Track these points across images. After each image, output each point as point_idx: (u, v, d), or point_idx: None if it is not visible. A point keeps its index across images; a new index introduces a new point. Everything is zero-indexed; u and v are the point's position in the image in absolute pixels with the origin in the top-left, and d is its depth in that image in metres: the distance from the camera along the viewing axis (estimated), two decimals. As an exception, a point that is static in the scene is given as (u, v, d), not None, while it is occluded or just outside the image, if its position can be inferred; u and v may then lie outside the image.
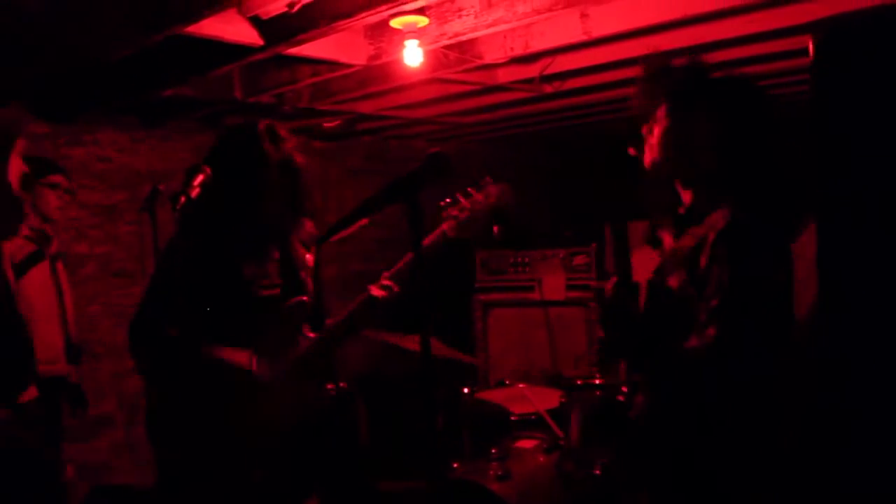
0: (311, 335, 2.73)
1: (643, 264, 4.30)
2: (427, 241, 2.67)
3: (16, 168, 2.80)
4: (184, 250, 2.63)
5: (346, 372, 2.85)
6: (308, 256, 2.85)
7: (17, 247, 3.76)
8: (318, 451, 2.81)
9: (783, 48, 3.79)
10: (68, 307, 4.12)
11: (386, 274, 2.70)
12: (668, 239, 2.23)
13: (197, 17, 2.81)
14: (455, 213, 2.70)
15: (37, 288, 3.87)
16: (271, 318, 2.68)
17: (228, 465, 2.57)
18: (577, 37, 3.52)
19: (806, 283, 1.95)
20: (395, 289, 2.67)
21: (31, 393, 3.64)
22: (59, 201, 4.01)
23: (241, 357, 2.61)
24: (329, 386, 2.74)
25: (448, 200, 2.72)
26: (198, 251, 2.64)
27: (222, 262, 2.67)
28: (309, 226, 2.87)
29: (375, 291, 2.66)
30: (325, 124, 5.49)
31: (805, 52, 1.91)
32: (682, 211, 2.08)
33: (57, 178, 3.99)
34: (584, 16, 3.44)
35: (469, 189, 2.74)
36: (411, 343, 3.15)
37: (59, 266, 4.11)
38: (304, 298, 2.71)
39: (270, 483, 2.61)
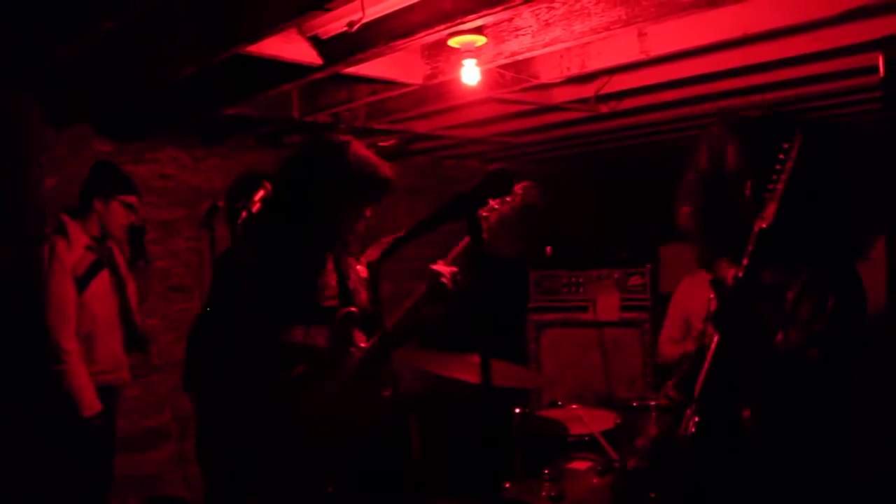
0: (364, 344, 2.71)
1: (696, 290, 4.24)
2: (459, 247, 2.68)
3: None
4: (252, 263, 2.64)
5: (402, 389, 2.83)
6: (359, 267, 2.86)
7: (78, 258, 3.80)
8: (375, 462, 2.80)
9: (850, 66, 3.70)
10: (131, 297, 4.12)
11: (442, 262, 2.65)
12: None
13: (259, 36, 2.86)
14: (485, 214, 2.63)
15: (99, 298, 3.91)
16: (328, 329, 2.68)
17: (294, 477, 2.57)
18: (634, 56, 3.49)
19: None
20: (459, 275, 2.61)
21: (96, 407, 3.70)
22: (126, 220, 4.03)
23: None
24: (385, 393, 2.73)
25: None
26: (269, 262, 2.65)
27: (295, 274, 2.68)
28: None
29: (442, 278, 2.60)
30: (381, 143, 5.53)
31: (873, 69, 1.87)
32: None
33: (132, 199, 4.02)
34: (641, 35, 3.41)
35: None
36: (467, 373, 3.09)
37: (123, 268, 4.11)
38: (353, 309, 2.71)
39: (337, 497, 2.61)
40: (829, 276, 1.89)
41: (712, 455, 1.95)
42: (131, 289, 4.15)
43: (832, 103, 4.77)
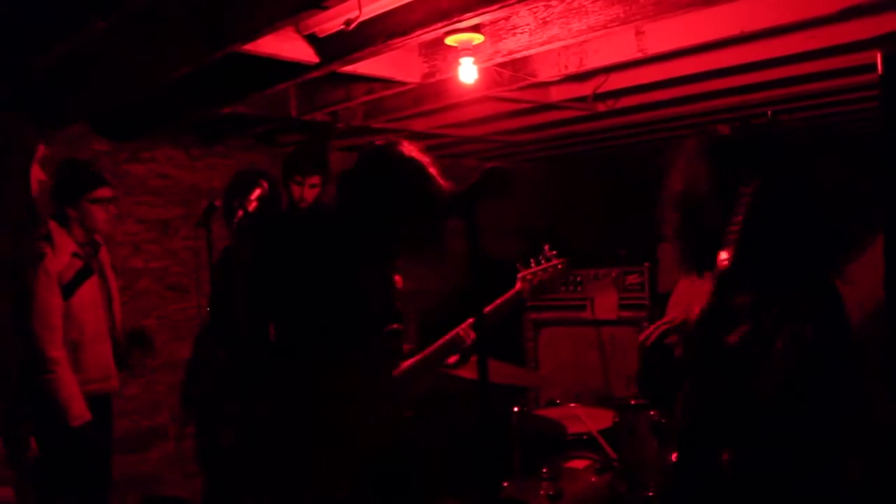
0: (402, 363, 2.76)
1: (696, 289, 4.23)
2: (504, 298, 2.88)
3: (34, 175, 2.92)
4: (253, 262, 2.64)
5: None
6: (397, 278, 2.87)
7: (65, 266, 3.69)
8: (384, 468, 2.80)
9: (847, 64, 3.71)
10: (116, 311, 4.03)
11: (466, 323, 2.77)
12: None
13: (255, 35, 2.85)
14: (530, 277, 2.95)
15: (87, 306, 3.79)
16: (375, 340, 2.69)
17: (306, 482, 2.58)
18: (631, 54, 3.50)
19: (860, 308, 1.88)
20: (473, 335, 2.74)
21: (84, 416, 3.61)
22: (107, 214, 3.89)
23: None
24: (408, 414, 2.78)
25: (521, 265, 2.98)
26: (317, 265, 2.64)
27: (346, 279, 2.68)
28: None
29: (464, 334, 2.76)
30: (378, 142, 5.52)
31: (870, 67, 1.86)
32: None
33: (103, 192, 3.86)
34: (639, 33, 3.41)
35: (541, 257, 2.99)
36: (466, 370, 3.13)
37: (108, 271, 4.03)
38: (399, 326, 2.74)
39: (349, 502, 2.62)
40: (805, 305, 1.80)
41: (694, 498, 1.91)
42: (116, 299, 4.05)
43: (829, 101, 4.77)
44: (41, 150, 3.22)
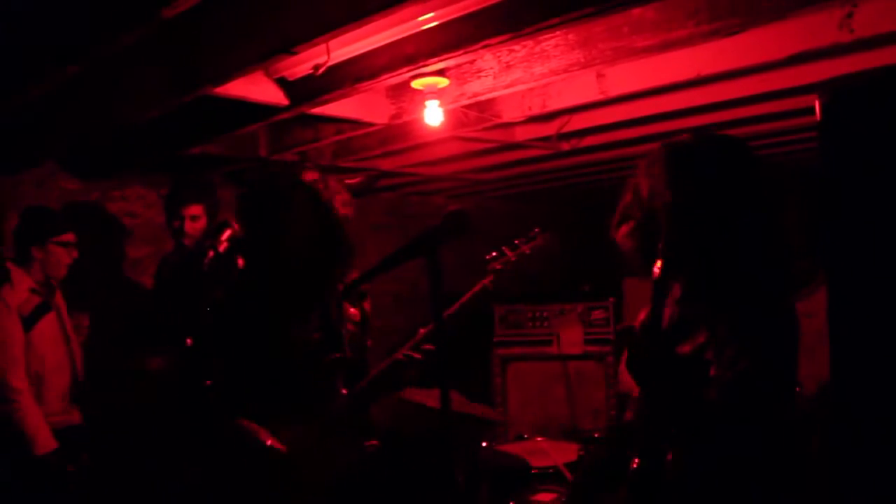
0: (344, 391, 2.76)
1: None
2: (468, 296, 2.82)
3: None
4: (220, 305, 2.68)
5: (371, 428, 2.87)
6: (353, 311, 2.90)
7: (24, 300, 3.78)
8: None
9: (795, 106, 3.84)
10: (75, 350, 4.08)
11: (422, 331, 2.77)
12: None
13: (226, 79, 2.91)
14: (499, 266, 2.90)
15: (47, 339, 3.87)
16: (310, 372, 2.71)
17: None
18: (593, 96, 3.59)
19: (820, 339, 1.95)
20: (429, 348, 2.73)
21: (50, 445, 3.62)
22: (69, 258, 4.01)
23: (259, 433, 2.64)
24: (369, 443, 2.77)
25: (494, 254, 2.92)
26: (236, 304, 2.68)
27: (264, 314, 2.72)
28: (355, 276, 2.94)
29: (401, 356, 2.73)
30: (347, 181, 5.58)
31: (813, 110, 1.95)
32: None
33: (68, 237, 4.00)
34: (600, 76, 3.51)
35: (515, 241, 2.95)
36: (432, 400, 3.17)
37: (64, 314, 4.10)
38: (339, 355, 2.75)
39: None
40: (754, 316, 1.88)
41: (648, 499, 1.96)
42: (73, 339, 4.11)
43: (783, 140, 4.91)
44: None
